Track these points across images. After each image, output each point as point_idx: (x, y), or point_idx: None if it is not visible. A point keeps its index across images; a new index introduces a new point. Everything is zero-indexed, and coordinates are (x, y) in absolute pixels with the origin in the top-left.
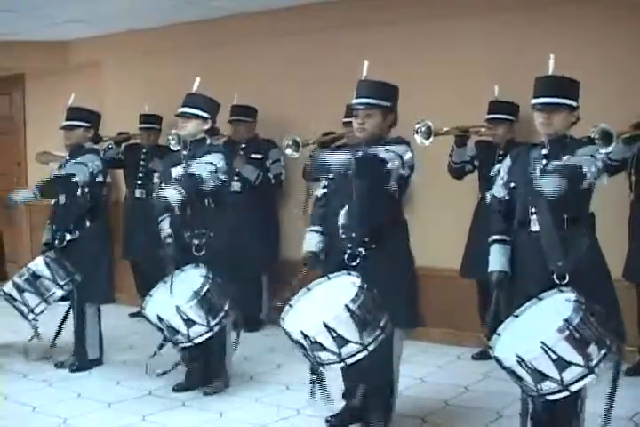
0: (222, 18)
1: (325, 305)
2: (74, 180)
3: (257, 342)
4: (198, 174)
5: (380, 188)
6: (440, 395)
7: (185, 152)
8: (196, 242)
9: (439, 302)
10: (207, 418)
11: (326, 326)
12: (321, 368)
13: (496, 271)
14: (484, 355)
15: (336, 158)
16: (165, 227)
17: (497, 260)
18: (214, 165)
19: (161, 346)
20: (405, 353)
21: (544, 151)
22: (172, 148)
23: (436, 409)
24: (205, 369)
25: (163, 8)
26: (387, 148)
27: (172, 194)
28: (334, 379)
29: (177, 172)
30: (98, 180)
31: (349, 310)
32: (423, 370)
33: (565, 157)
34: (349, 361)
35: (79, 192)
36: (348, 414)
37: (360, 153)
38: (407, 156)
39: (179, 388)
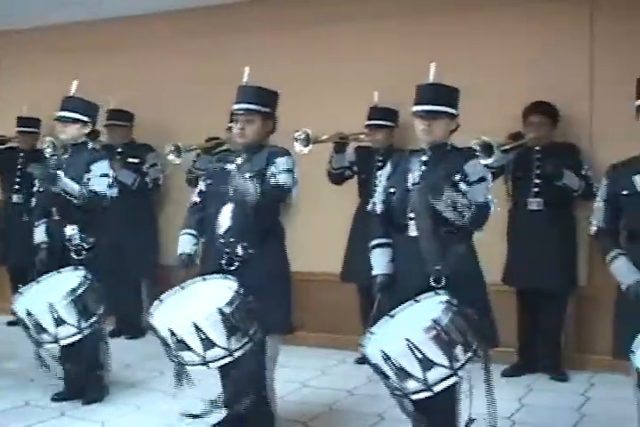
0: (98, 21)
1: (198, 306)
2: None
3: (138, 349)
4: (100, 191)
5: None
6: (323, 399)
7: (65, 156)
8: (74, 246)
9: (321, 307)
10: None
11: (196, 326)
12: (181, 368)
13: (380, 275)
14: (367, 359)
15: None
16: (41, 233)
17: (379, 263)
18: (108, 176)
19: (39, 357)
20: (286, 358)
21: (424, 158)
22: (46, 155)
23: (320, 414)
24: (84, 378)
25: None
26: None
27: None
28: (216, 386)
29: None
30: None
31: (222, 313)
32: (305, 375)
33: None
34: (213, 365)
35: None
36: (231, 421)
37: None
38: (286, 166)
39: (58, 397)
